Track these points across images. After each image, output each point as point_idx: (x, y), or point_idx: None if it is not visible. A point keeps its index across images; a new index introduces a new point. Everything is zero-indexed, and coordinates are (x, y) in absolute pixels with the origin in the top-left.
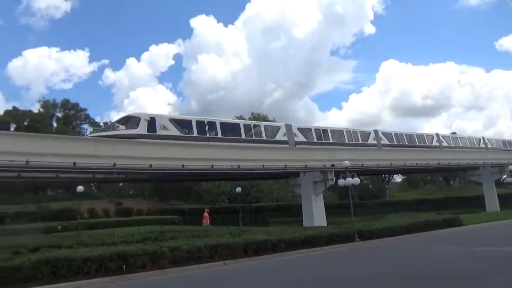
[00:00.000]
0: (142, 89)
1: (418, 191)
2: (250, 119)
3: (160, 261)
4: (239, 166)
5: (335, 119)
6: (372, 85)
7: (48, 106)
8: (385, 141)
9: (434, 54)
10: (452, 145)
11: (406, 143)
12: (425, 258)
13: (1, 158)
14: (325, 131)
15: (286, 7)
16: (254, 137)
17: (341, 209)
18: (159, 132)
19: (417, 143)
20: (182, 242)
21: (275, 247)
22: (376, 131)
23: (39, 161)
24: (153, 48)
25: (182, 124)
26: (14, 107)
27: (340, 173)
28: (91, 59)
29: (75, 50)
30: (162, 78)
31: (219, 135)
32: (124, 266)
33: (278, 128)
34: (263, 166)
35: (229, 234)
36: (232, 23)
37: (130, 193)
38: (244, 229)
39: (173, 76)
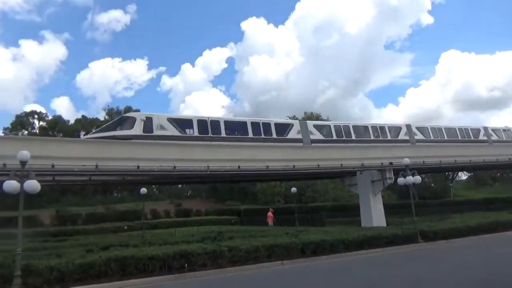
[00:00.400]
0: (197, 93)
1: (486, 190)
2: (303, 118)
3: (220, 260)
4: (294, 166)
5: (391, 115)
6: (432, 78)
7: (112, 113)
8: (419, 136)
9: (501, 41)
10: (504, 139)
11: (446, 137)
12: (497, 261)
13: (75, 163)
14: (346, 127)
15: (337, 4)
16: (263, 136)
17: (401, 209)
18: (156, 132)
19: (459, 138)
20: (240, 242)
21: (333, 248)
22: (408, 126)
23: (108, 165)
24: (206, 53)
25: (182, 123)
26: (83, 116)
27: (399, 171)
28: (150, 67)
29: (135, 60)
30: (216, 81)
31: (223, 134)
32: (186, 265)
33: (291, 126)
34: (318, 165)
35: (285, 234)
36: (283, 23)
37: (189, 194)
38: (301, 230)
39: (226, 79)
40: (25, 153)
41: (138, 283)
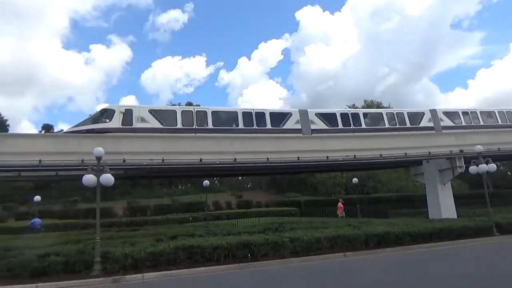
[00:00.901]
0: (254, 86)
1: None
2: (362, 107)
3: (282, 251)
4: (354, 156)
5: (460, 100)
6: (506, 57)
7: None
8: (447, 122)
9: None
10: None
11: (482, 123)
12: None
13: (144, 157)
14: (355, 115)
15: None
16: (255, 127)
17: (473, 199)
18: (136, 124)
19: (500, 123)
20: (302, 233)
21: (398, 240)
22: (433, 111)
23: (173, 159)
24: (262, 45)
25: (164, 115)
26: None
27: (471, 159)
28: (208, 63)
29: (194, 57)
30: (272, 73)
31: (210, 125)
32: (249, 255)
33: (289, 115)
34: (381, 155)
35: (348, 226)
36: (339, 10)
37: (249, 186)
38: (364, 221)
39: (282, 70)
40: (100, 150)
41: (204, 271)
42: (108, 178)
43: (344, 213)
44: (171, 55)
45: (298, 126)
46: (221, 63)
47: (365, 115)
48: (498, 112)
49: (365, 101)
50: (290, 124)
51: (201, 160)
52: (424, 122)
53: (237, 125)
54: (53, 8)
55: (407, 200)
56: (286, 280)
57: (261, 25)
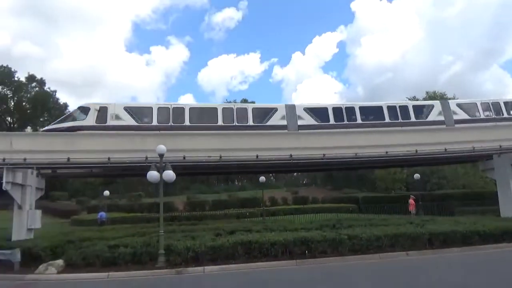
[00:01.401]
0: (308, 81)
1: None
2: (424, 99)
3: (340, 248)
4: (416, 151)
5: None
6: None
7: None
8: (461, 115)
9: None
10: None
11: (506, 115)
12: None
13: (202, 154)
14: (350, 109)
15: None
16: (236, 123)
17: None
18: (111, 122)
19: None
20: (360, 231)
21: (466, 240)
22: (445, 103)
23: (229, 155)
24: (316, 39)
25: (140, 112)
26: None
27: None
28: (262, 59)
29: (248, 54)
30: (327, 67)
31: (187, 122)
32: (306, 251)
33: (274, 110)
34: (445, 149)
35: (409, 223)
36: None
37: (304, 182)
38: (426, 219)
39: (337, 64)
40: (162, 147)
41: (262, 266)
42: (170, 174)
43: (415, 210)
44: (226, 53)
45: (284, 123)
46: (275, 59)
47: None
48: None
49: (427, 92)
50: (274, 120)
51: (257, 156)
52: (433, 116)
53: (216, 121)
54: (117, 14)
55: (475, 197)
56: (347, 278)
57: (315, 18)
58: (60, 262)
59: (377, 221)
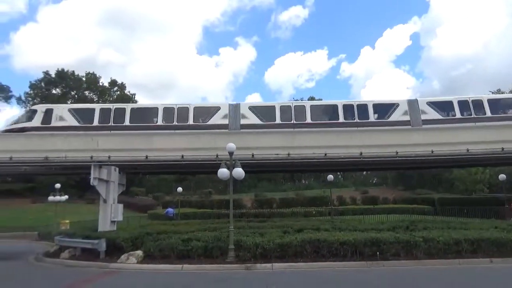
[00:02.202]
0: (378, 76)
1: None
2: (510, 92)
3: (414, 251)
4: (502, 149)
5: None
6: None
7: None
8: (432, 115)
9: None
10: None
11: (490, 114)
12: None
13: (270, 152)
14: (300, 107)
15: None
16: (175, 123)
17: None
18: (55, 123)
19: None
20: (437, 234)
21: None
22: (412, 102)
23: (297, 153)
24: (387, 32)
25: (83, 113)
26: None
27: None
28: (329, 56)
29: (315, 51)
30: (398, 61)
31: (126, 122)
32: (377, 253)
33: (216, 109)
34: None
35: (494, 228)
36: None
37: (374, 181)
38: None
39: (410, 57)
40: (232, 145)
41: (331, 266)
42: (239, 172)
43: None
44: (293, 51)
45: (226, 122)
46: (343, 55)
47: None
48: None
49: None
50: (215, 119)
51: (325, 154)
52: (397, 116)
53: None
54: (188, 19)
55: None
56: (422, 283)
57: (385, 10)
58: (139, 252)
59: (455, 224)
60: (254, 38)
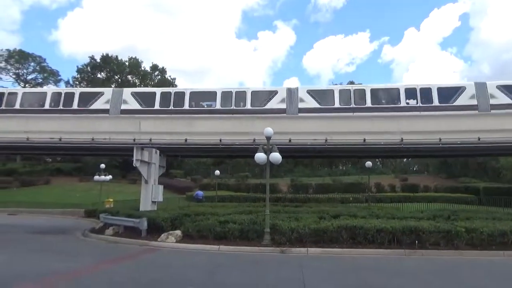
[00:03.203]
0: (423, 59)
1: None
2: None
3: (455, 241)
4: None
5: None
6: None
7: None
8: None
9: None
10: None
11: (370, 104)
12: None
13: (308, 137)
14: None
15: None
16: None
17: None
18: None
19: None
20: (481, 224)
21: None
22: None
23: (336, 139)
24: (433, 13)
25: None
26: None
27: None
28: (371, 39)
29: (356, 34)
30: (445, 44)
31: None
32: (416, 241)
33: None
34: None
35: None
36: None
37: (415, 169)
38: None
39: (458, 39)
40: (269, 130)
41: (367, 253)
42: (276, 156)
43: None
44: (334, 34)
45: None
46: (386, 38)
47: None
48: None
49: None
50: (98, 104)
51: (364, 140)
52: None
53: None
54: (228, 3)
55: None
56: (464, 273)
57: None
58: (178, 232)
59: (501, 215)
60: (294, 21)
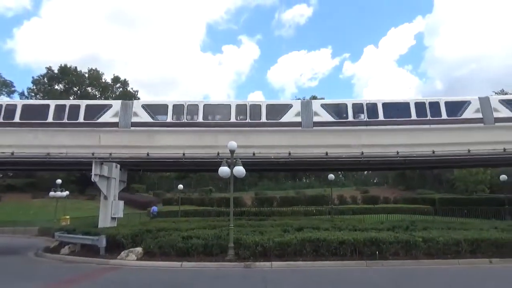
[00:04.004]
0: (381, 75)
1: None
2: None
3: (414, 251)
4: (504, 149)
5: None
6: None
7: None
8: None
9: None
10: None
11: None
12: None
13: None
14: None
15: None
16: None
17: None
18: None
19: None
20: (437, 234)
21: None
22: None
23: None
24: (391, 31)
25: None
26: None
27: None
28: (333, 55)
29: (319, 50)
30: (402, 61)
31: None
32: (377, 252)
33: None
34: None
35: (493, 229)
36: None
37: (375, 181)
38: None
39: (413, 57)
40: (233, 144)
41: (331, 265)
42: (240, 170)
43: None
44: (297, 50)
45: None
46: (347, 54)
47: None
48: None
49: None
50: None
51: (327, 153)
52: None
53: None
54: (193, 17)
55: None
56: (421, 283)
57: (391, 9)
58: (139, 249)
59: (456, 224)
60: (258, 36)
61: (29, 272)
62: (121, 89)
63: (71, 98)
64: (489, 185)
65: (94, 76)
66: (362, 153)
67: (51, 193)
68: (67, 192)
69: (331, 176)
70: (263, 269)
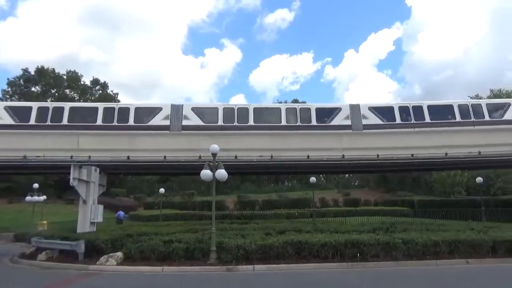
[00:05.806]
0: (361, 80)
1: None
2: (488, 97)
3: (394, 253)
4: (479, 152)
5: None
6: None
7: None
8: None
9: None
10: None
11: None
12: None
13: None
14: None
15: None
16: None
17: None
18: None
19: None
20: (416, 235)
21: None
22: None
23: (281, 155)
24: (371, 37)
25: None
26: None
27: None
28: (315, 59)
29: (301, 54)
30: (381, 66)
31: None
32: (358, 254)
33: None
34: None
35: (470, 230)
36: None
37: (356, 184)
38: (489, 225)
39: (392, 62)
40: (215, 147)
41: (312, 267)
42: (222, 173)
43: None
44: (279, 53)
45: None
46: (328, 59)
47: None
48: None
49: (491, 90)
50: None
51: (308, 156)
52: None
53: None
54: (174, 19)
55: None
56: (401, 283)
57: (371, 15)
58: (119, 254)
59: (434, 226)
60: (240, 40)
61: (4, 279)
62: (100, 91)
63: (49, 101)
64: (465, 187)
65: (73, 78)
66: (343, 156)
67: (28, 198)
68: (44, 197)
69: (312, 179)
70: (245, 273)
